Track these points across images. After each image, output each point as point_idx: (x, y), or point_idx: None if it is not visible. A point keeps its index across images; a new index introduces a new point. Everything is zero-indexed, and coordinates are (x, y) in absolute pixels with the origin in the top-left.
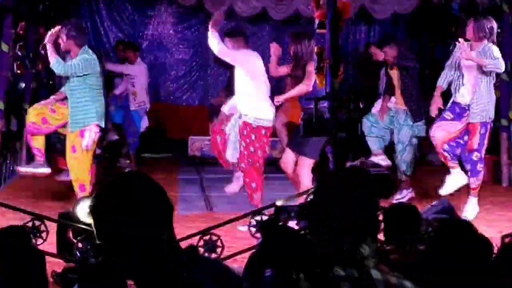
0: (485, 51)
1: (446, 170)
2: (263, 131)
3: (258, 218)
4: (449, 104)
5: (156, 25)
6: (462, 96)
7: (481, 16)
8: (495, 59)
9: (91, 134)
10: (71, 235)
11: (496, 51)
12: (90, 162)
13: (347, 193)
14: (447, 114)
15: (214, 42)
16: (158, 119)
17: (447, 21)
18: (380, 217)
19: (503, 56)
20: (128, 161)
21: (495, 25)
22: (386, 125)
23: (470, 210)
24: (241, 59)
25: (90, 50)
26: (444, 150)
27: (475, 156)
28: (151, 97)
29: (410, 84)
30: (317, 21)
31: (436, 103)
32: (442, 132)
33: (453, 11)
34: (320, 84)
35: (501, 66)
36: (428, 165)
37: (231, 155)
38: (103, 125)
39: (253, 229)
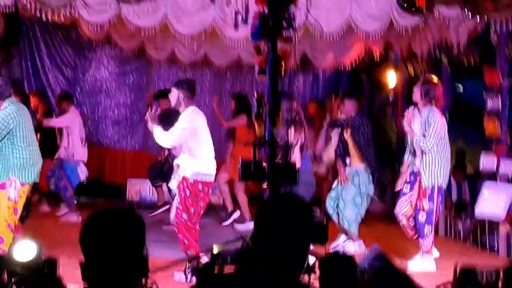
0: (428, 118)
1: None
2: (199, 186)
3: (194, 263)
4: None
5: (97, 68)
6: (413, 163)
7: (428, 80)
8: (427, 136)
9: (13, 188)
10: (5, 277)
11: (434, 120)
12: (11, 216)
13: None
14: (405, 187)
15: (160, 136)
16: (98, 163)
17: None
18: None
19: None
20: (67, 209)
21: (440, 89)
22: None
23: (416, 263)
24: (189, 125)
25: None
26: (410, 226)
27: (421, 216)
28: (91, 140)
29: (363, 141)
30: (257, 68)
31: (403, 178)
32: (405, 208)
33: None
34: (259, 131)
35: (426, 144)
36: None
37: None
38: (26, 180)
39: (189, 276)
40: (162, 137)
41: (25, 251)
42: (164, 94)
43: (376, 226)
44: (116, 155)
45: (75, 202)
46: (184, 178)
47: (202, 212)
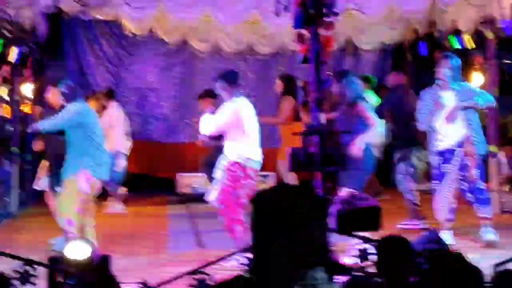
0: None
1: None
2: (240, 169)
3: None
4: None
5: (142, 63)
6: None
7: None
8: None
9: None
10: (61, 277)
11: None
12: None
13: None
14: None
15: (202, 123)
16: (148, 158)
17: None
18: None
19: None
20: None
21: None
22: None
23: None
24: (227, 116)
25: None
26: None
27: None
28: (139, 136)
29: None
30: (301, 56)
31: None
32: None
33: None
34: (306, 118)
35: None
36: None
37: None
38: (98, 175)
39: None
40: (203, 124)
41: (79, 250)
42: (208, 94)
43: None
44: (165, 149)
45: (125, 195)
46: (227, 162)
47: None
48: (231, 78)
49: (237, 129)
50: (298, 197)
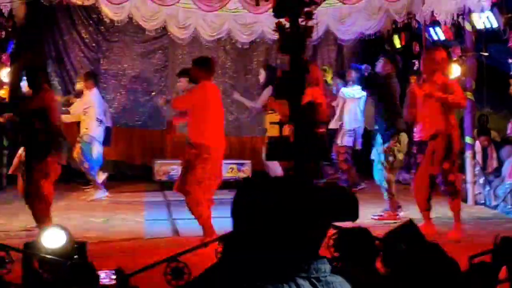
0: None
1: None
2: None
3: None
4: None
5: (120, 49)
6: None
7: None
8: None
9: None
10: (36, 265)
11: None
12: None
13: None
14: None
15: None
16: (126, 145)
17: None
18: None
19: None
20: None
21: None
22: None
23: None
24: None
25: None
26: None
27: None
28: (117, 122)
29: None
30: (280, 44)
31: None
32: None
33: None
34: (284, 107)
35: None
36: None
37: None
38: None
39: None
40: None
41: (54, 237)
42: (185, 73)
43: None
44: (144, 136)
45: (103, 181)
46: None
47: (214, 185)
48: (206, 64)
49: (198, 112)
50: (288, 186)
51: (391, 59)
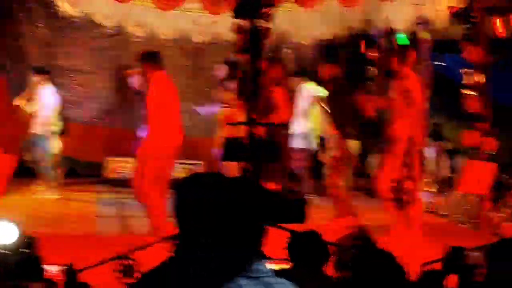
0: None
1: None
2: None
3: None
4: None
5: (76, 45)
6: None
7: None
8: None
9: None
10: None
11: None
12: None
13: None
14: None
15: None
16: (77, 141)
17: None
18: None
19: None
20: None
21: None
22: None
23: None
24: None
25: None
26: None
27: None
28: (70, 118)
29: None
30: (238, 46)
31: None
32: None
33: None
34: (239, 108)
35: None
36: None
37: None
38: None
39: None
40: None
41: (3, 232)
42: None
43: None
44: (96, 133)
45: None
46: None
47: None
48: (153, 58)
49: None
50: (235, 186)
51: (336, 64)
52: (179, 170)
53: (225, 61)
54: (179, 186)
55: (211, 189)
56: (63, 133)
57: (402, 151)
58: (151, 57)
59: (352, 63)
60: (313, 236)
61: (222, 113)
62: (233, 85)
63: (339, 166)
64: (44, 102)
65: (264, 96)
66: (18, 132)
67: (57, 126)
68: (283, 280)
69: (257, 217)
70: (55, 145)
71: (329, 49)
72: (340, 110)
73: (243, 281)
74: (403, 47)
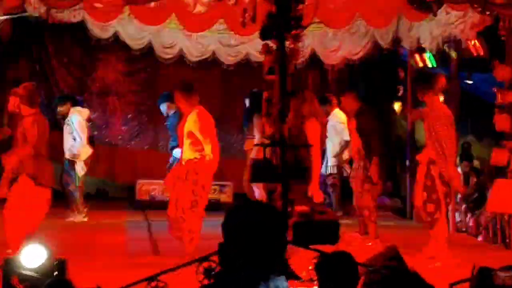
0: None
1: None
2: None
3: (205, 264)
4: None
5: (106, 68)
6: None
7: None
8: None
9: None
10: (16, 281)
11: None
12: None
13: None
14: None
15: None
16: (109, 163)
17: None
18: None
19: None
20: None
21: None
22: None
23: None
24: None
25: None
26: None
27: None
28: (101, 141)
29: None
30: (266, 67)
31: None
32: None
33: (402, 57)
34: (269, 129)
35: None
36: None
37: None
38: None
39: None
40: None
41: (34, 255)
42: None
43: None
44: (126, 155)
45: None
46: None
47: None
48: (187, 89)
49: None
50: (258, 212)
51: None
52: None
53: (250, 92)
54: (231, 212)
55: (257, 215)
56: (92, 157)
57: (423, 174)
58: (186, 89)
59: (382, 83)
60: (344, 257)
61: (248, 144)
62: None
63: (368, 187)
64: (72, 128)
65: (295, 126)
66: (51, 164)
67: (85, 151)
68: None
69: (279, 237)
70: (83, 170)
71: (360, 70)
72: (366, 134)
73: None
74: (430, 74)
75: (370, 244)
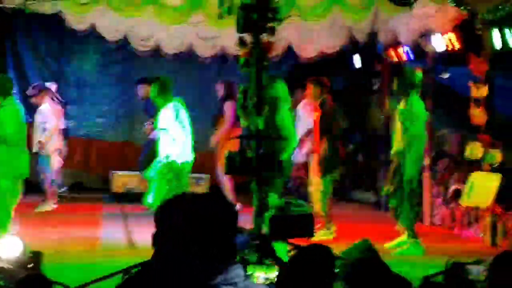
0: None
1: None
2: None
3: None
4: None
5: (82, 60)
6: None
7: None
8: None
9: None
10: None
11: None
12: None
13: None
14: None
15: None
16: (84, 155)
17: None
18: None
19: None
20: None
21: None
22: None
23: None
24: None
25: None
26: None
27: None
28: (76, 133)
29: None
30: (242, 60)
31: None
32: None
33: (378, 51)
34: (245, 122)
35: None
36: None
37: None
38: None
39: None
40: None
41: (9, 247)
42: (144, 81)
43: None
44: (102, 147)
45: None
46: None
47: None
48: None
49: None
50: (207, 203)
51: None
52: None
53: (222, 81)
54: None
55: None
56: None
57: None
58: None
59: (357, 76)
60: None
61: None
62: (228, 105)
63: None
64: (42, 120)
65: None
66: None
67: (57, 142)
68: (258, 283)
69: (229, 229)
70: (55, 161)
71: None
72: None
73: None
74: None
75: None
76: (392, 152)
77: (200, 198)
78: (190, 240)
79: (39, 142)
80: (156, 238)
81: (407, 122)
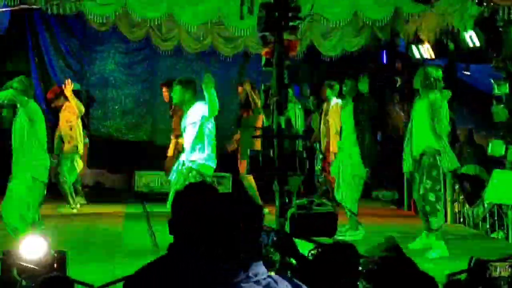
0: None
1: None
2: None
3: None
4: None
5: (104, 59)
6: None
7: None
8: None
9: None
10: (15, 272)
11: None
12: None
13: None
14: None
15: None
16: (107, 155)
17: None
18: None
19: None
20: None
21: None
22: None
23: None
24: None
25: None
26: None
27: None
28: (98, 132)
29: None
30: (264, 59)
31: None
32: None
33: (399, 48)
34: (267, 121)
35: None
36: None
37: None
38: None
39: None
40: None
41: (34, 247)
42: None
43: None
44: (124, 147)
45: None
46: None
47: None
48: (189, 85)
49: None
50: (231, 203)
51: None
52: None
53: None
54: (177, 197)
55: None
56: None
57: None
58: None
59: (379, 74)
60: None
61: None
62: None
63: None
64: (63, 121)
65: None
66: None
67: (80, 143)
68: (277, 277)
69: (251, 227)
70: (77, 162)
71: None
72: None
73: (245, 285)
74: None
75: None
76: (414, 152)
77: (225, 198)
78: (211, 240)
79: (61, 143)
80: (172, 225)
81: (428, 119)
